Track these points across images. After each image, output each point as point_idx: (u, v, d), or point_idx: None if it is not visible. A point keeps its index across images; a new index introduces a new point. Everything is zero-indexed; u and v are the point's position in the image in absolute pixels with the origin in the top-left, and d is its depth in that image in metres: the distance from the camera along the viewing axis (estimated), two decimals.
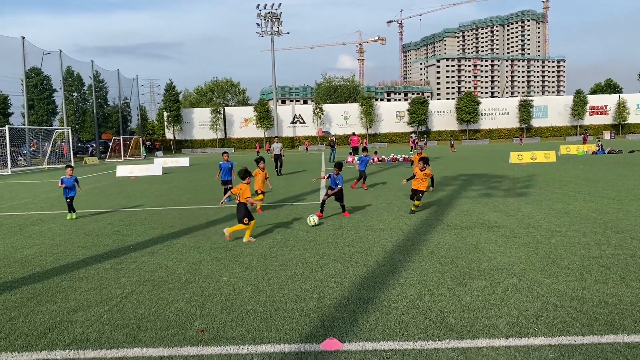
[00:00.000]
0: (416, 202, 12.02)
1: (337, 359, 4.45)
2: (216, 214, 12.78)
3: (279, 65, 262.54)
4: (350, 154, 35.92)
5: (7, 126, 38.17)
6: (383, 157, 35.04)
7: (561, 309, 5.49)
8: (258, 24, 72.29)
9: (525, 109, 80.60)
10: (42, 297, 6.44)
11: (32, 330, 5.33)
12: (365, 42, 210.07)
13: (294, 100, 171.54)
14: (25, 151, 46.08)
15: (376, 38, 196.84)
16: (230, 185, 14.58)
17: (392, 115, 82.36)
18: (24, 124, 46.49)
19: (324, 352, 4.60)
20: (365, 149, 18.92)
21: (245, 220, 9.40)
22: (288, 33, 75.14)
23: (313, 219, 10.74)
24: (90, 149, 61.12)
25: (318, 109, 79.95)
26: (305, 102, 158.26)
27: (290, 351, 4.64)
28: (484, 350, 4.54)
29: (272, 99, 79.98)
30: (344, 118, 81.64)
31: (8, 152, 37.17)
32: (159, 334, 5.10)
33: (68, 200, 13.11)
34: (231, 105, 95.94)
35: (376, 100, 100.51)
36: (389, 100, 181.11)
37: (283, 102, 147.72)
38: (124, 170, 29.31)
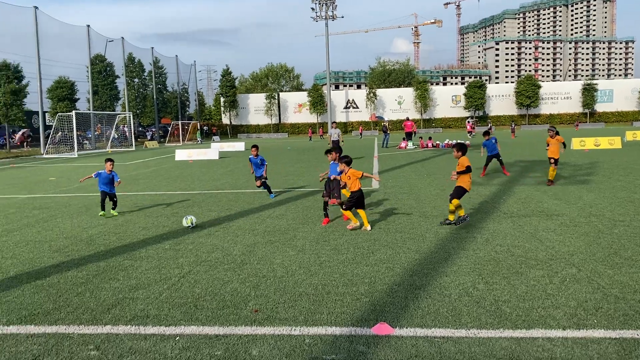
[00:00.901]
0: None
1: (388, 344, 4.46)
2: (269, 198, 12.97)
3: (332, 49, 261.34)
4: (404, 139, 35.51)
5: (74, 111, 39.99)
6: (437, 142, 34.44)
7: (623, 301, 5.27)
8: (313, 9, 72.12)
9: (588, 93, 76.88)
10: (106, 274, 6.78)
11: (97, 305, 5.63)
12: (421, 25, 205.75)
13: (348, 85, 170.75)
14: (90, 135, 48.19)
15: (432, 21, 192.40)
16: (264, 180, 12.97)
17: (447, 100, 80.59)
18: (89, 109, 48.58)
19: (375, 336, 4.62)
20: (487, 133, 16.99)
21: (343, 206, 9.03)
22: (342, 17, 74.55)
23: (190, 219, 9.67)
24: (151, 133, 63.21)
25: (371, 94, 79.30)
26: (358, 87, 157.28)
27: (342, 334, 4.69)
28: (539, 341, 4.43)
29: (325, 84, 79.92)
30: (397, 103, 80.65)
31: (75, 135, 39.00)
32: (214, 313, 5.28)
33: (102, 196, 11.16)
34: (285, 91, 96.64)
35: (431, 84, 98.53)
36: (444, 84, 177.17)
37: (336, 87, 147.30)
38: (182, 154, 30.18)
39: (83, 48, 49.75)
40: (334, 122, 25.57)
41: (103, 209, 11.10)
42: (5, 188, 17.33)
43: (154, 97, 64.41)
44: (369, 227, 8.92)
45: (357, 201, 8.99)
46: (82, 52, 50.12)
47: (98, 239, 8.94)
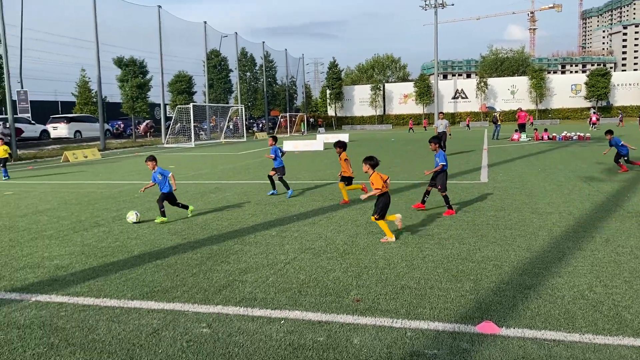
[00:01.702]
0: None
1: (494, 343, 4.31)
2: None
3: (441, 38, 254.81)
4: (516, 131, 33.71)
5: (191, 104, 42.60)
6: (554, 135, 32.31)
7: None
8: None
9: None
10: (218, 257, 7.19)
11: (209, 286, 5.99)
12: (538, 10, 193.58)
13: (456, 75, 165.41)
14: (205, 126, 51.09)
15: (551, 5, 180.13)
16: (280, 175, 12.58)
17: (566, 89, 75.20)
18: (205, 102, 51.49)
19: (480, 334, 4.48)
20: (610, 132, 15.50)
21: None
22: (452, 5, 72.24)
23: (135, 215, 9.64)
24: (260, 124, 65.67)
25: (482, 83, 76.13)
26: (468, 76, 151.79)
27: (444, 330, 4.60)
28: None
29: (433, 73, 78.07)
30: (510, 92, 76.70)
31: (192, 127, 41.56)
32: (317, 300, 5.40)
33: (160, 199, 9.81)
34: (391, 82, 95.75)
35: (548, 72, 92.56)
36: (563, 72, 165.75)
37: (444, 77, 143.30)
38: (289, 145, 31.07)
39: (200, 44, 52.74)
40: (441, 112, 23.57)
41: (162, 214, 9.67)
42: (131, 174, 18.92)
43: (264, 90, 66.80)
44: (391, 239, 7.76)
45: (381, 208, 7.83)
46: (199, 47, 53.17)
47: (211, 223, 9.49)
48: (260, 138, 51.30)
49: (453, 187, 12.93)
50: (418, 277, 6.04)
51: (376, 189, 7.83)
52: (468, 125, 61.25)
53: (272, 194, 12.71)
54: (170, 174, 9.86)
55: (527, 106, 71.69)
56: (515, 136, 32.43)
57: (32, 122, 40.00)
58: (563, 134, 32.06)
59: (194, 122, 42.56)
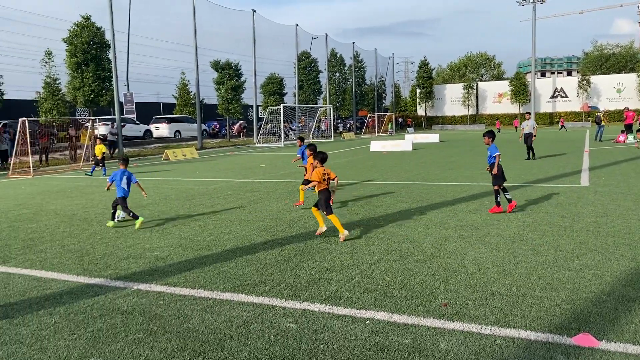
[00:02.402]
0: None
1: (592, 357, 4.05)
2: (464, 191, 12.64)
3: (539, 34, 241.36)
4: (623, 132, 31.31)
5: (282, 105, 43.69)
6: None
7: None
8: None
9: None
10: (304, 254, 7.33)
11: (296, 282, 6.13)
12: None
13: (555, 73, 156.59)
14: (295, 127, 52.19)
15: None
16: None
17: None
18: (295, 103, 52.59)
19: (576, 347, 4.23)
20: None
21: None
22: None
23: (121, 215, 9.77)
24: (348, 125, 66.00)
25: (584, 81, 71.49)
26: (568, 74, 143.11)
27: (537, 339, 4.39)
28: None
29: (530, 71, 74.43)
30: (616, 91, 71.36)
31: (282, 127, 42.62)
32: (403, 302, 5.36)
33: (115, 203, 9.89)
34: (485, 80, 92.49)
35: None
36: None
37: (542, 75, 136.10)
38: (377, 145, 30.97)
39: (291, 46, 53.94)
40: (528, 112, 22.40)
41: (135, 217, 9.55)
42: (225, 172, 19.76)
43: (353, 90, 67.04)
44: (343, 234, 7.97)
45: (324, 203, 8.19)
46: (290, 49, 54.39)
47: (299, 221, 9.69)
48: (348, 138, 51.54)
49: (549, 191, 12.28)
50: (510, 284, 5.81)
51: (313, 181, 8.29)
52: (563, 126, 57.69)
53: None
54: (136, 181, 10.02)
55: (635, 105, 66.29)
56: (621, 137, 30.15)
57: (137, 122, 42.95)
58: None
59: (284, 123, 43.60)
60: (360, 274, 6.37)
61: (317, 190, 8.36)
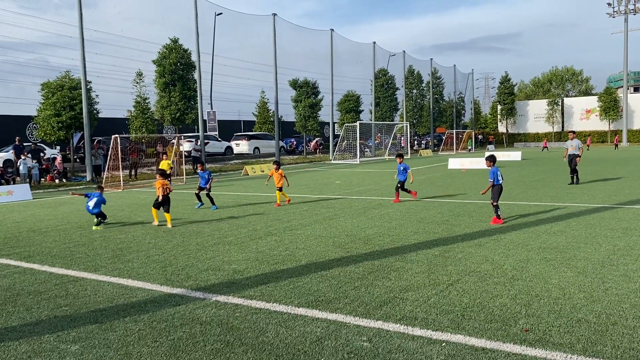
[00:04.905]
0: None
1: None
2: (547, 212, 12.05)
3: (632, 47, 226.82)
4: None
5: (358, 122, 43.88)
6: None
7: None
8: (609, 4, 64.26)
9: None
10: (379, 272, 7.27)
11: (370, 300, 6.08)
12: None
13: None
14: (371, 144, 52.16)
15: None
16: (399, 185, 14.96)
17: None
18: (371, 120, 52.63)
19: None
20: None
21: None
22: None
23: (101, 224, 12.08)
24: (425, 142, 65.09)
25: None
26: None
27: None
28: None
29: (621, 86, 70.10)
30: None
31: (357, 144, 42.74)
32: (482, 326, 5.16)
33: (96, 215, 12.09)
34: (571, 96, 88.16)
35: None
36: None
37: (636, 90, 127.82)
38: (455, 163, 30.27)
39: (368, 63, 54.20)
40: (572, 131, 19.41)
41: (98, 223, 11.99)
42: (301, 188, 20.04)
43: (431, 107, 66.14)
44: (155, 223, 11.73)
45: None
46: (367, 67, 54.66)
47: (374, 239, 9.63)
48: (425, 155, 50.81)
49: (632, 212, 11.44)
50: (598, 311, 5.44)
51: (158, 188, 11.76)
52: (616, 145, 51.80)
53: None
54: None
55: None
56: None
57: (219, 139, 44.65)
58: None
59: (360, 140, 43.70)
60: (437, 294, 6.21)
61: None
